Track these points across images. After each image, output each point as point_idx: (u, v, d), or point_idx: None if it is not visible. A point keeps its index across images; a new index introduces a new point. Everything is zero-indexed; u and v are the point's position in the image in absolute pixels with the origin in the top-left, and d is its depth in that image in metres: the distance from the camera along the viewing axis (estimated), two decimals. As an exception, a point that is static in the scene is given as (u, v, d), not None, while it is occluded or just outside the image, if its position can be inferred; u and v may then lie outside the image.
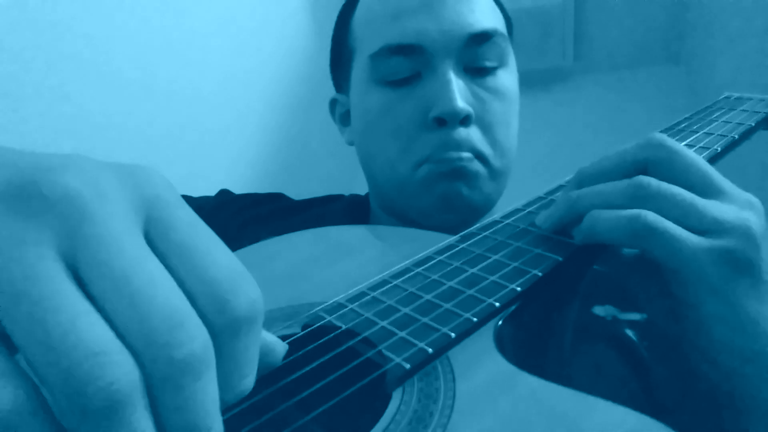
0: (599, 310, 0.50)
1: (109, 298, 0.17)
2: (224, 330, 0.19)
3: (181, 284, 0.19)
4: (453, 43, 0.51)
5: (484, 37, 0.52)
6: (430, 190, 0.51)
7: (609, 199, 0.34)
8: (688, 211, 0.32)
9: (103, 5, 0.90)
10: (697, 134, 0.46)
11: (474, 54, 0.52)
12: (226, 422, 0.25)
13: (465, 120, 0.50)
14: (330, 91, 0.66)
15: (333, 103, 0.65)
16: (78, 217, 0.17)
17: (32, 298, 0.16)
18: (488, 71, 0.53)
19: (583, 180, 0.37)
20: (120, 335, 0.17)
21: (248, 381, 0.20)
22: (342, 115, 0.63)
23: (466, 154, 0.50)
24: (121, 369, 0.16)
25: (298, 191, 0.71)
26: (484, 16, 0.53)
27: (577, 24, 1.82)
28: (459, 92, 0.49)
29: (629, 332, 0.49)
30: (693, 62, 1.77)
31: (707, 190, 0.33)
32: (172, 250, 0.19)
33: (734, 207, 0.33)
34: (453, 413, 0.25)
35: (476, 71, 0.52)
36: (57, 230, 0.17)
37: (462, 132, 0.50)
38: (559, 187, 0.42)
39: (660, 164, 0.34)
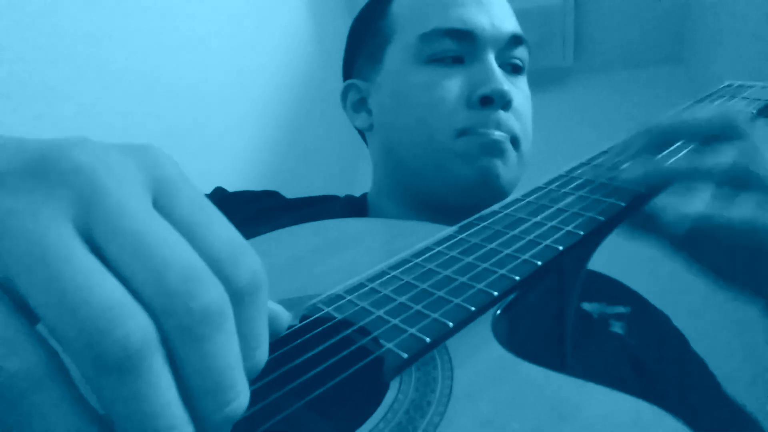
0: (587, 307, 0.51)
1: (123, 258, 0.18)
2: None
3: None
4: (499, 37, 0.56)
5: (520, 40, 0.57)
6: (471, 162, 0.53)
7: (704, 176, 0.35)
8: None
9: (104, 5, 0.90)
10: None
11: (510, 53, 0.57)
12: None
13: (507, 105, 0.54)
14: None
15: (347, 89, 0.65)
16: (90, 188, 0.18)
17: (47, 262, 0.17)
18: (517, 72, 0.59)
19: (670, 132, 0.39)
20: (136, 294, 0.17)
21: (260, 353, 0.21)
22: (356, 102, 0.64)
23: (504, 134, 0.53)
24: (134, 321, 0.17)
25: (297, 190, 0.71)
26: (517, 24, 0.59)
27: (577, 24, 1.82)
28: (503, 78, 0.54)
29: (616, 324, 0.50)
30: (693, 62, 1.77)
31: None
32: (177, 225, 0.20)
33: None
34: (450, 402, 0.25)
35: (508, 68, 0.58)
36: (71, 201, 0.18)
37: (503, 114, 0.53)
38: (558, 177, 0.42)
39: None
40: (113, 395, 0.17)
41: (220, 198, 0.66)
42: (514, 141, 0.55)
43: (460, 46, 0.55)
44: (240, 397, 0.19)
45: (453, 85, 0.54)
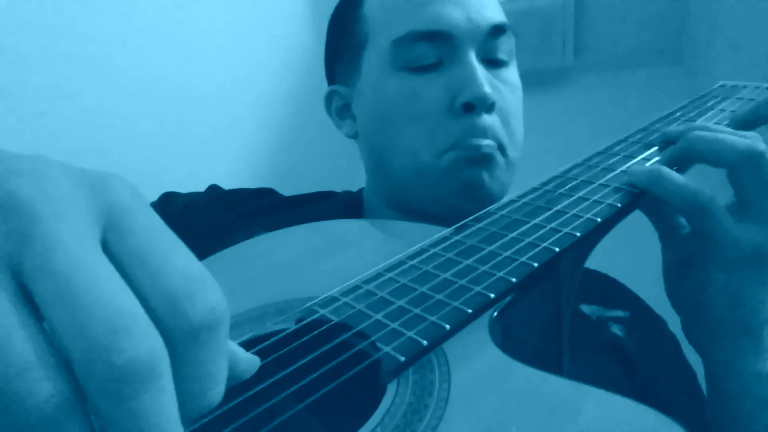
0: (585, 309, 0.51)
1: (49, 302, 0.16)
2: (181, 338, 0.18)
3: (136, 291, 0.18)
4: (478, 32, 0.52)
5: (501, 30, 0.53)
6: (454, 176, 0.51)
7: (723, 154, 0.37)
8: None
9: (103, 5, 0.90)
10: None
11: (492, 45, 0.53)
12: (220, 416, 0.25)
13: (490, 107, 0.51)
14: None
15: (330, 95, 0.63)
16: (23, 221, 0.17)
17: None
18: (502, 64, 0.54)
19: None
20: (59, 344, 0.16)
21: (212, 394, 0.19)
22: (339, 108, 0.62)
23: (491, 142, 0.51)
24: (52, 385, 0.15)
25: (297, 189, 0.71)
26: (498, 10, 0.55)
27: (577, 24, 1.81)
28: (485, 79, 0.50)
29: (615, 327, 0.50)
30: (693, 62, 1.77)
31: None
32: (129, 256, 0.18)
33: None
34: (448, 405, 0.25)
35: (492, 63, 0.54)
36: (2, 234, 0.16)
37: (487, 119, 0.51)
38: (554, 178, 0.42)
39: None
40: None
41: (216, 195, 0.64)
42: (501, 148, 0.52)
43: (436, 48, 0.51)
44: None
45: (433, 93, 0.51)
